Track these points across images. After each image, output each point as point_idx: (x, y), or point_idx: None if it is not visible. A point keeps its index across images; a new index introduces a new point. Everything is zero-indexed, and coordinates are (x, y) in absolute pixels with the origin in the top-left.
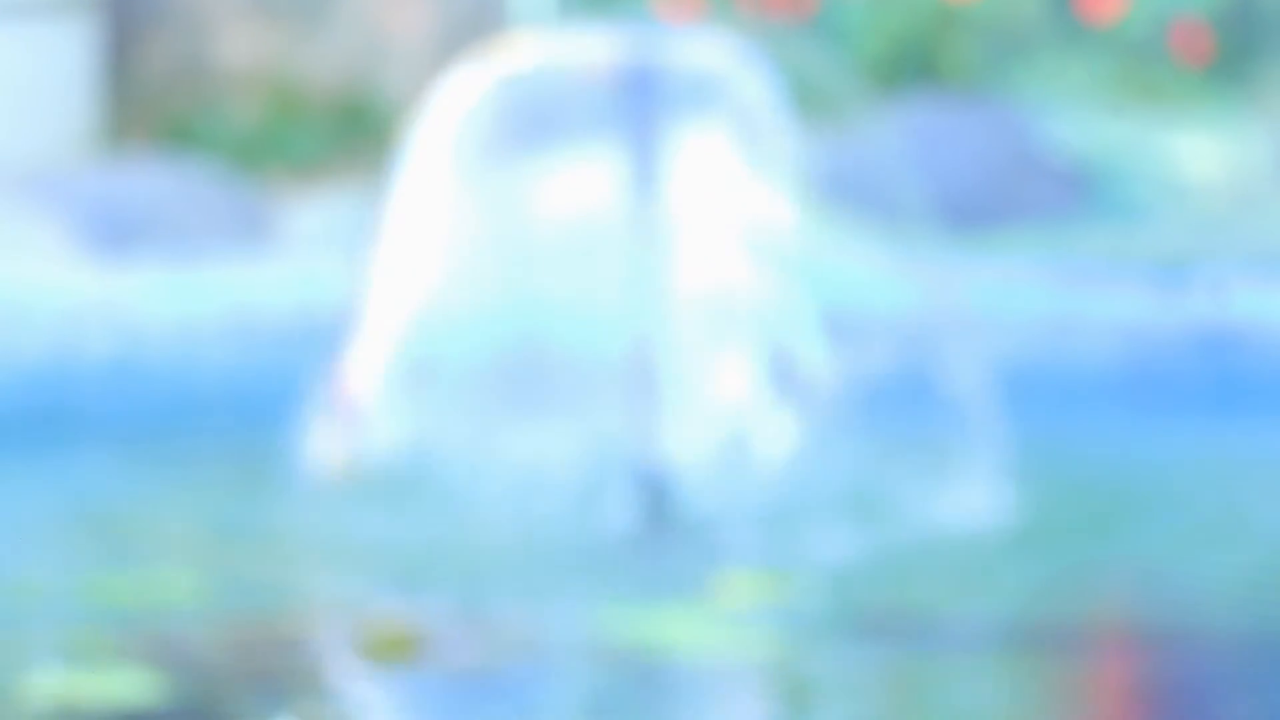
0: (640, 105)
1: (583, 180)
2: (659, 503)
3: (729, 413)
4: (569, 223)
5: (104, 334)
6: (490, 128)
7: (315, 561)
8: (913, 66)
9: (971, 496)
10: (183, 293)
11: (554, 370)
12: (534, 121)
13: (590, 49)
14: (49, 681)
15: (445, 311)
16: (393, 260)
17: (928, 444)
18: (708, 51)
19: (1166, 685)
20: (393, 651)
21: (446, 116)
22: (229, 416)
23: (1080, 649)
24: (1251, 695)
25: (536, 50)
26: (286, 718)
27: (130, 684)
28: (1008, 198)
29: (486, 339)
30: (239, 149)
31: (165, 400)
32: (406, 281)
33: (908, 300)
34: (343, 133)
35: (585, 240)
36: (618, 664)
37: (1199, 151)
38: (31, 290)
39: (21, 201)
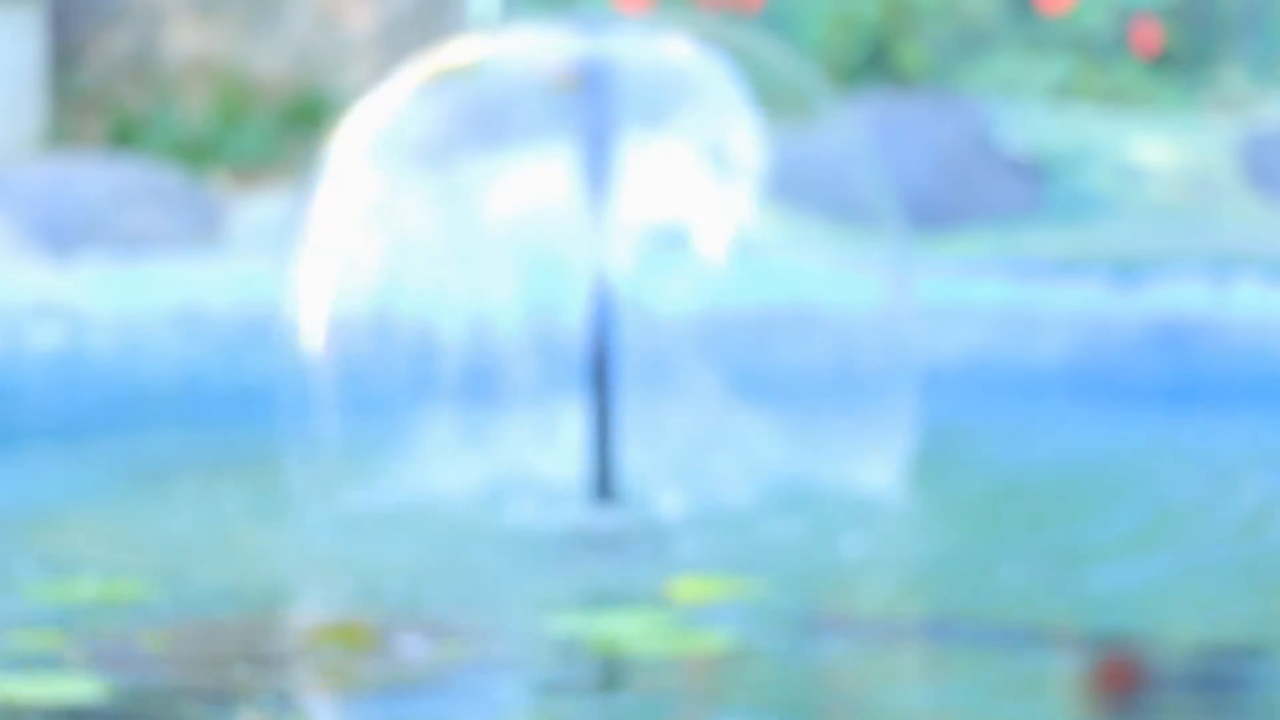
0: (594, 101)
1: (534, 177)
2: (606, 483)
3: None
4: (520, 220)
5: (50, 330)
6: (438, 124)
7: (265, 561)
8: (867, 61)
9: (875, 482)
10: (129, 289)
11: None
12: (485, 117)
13: (543, 44)
14: None
15: (392, 305)
16: (323, 257)
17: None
18: (663, 46)
19: (1117, 681)
20: (345, 653)
21: (384, 112)
22: (175, 413)
23: (1037, 644)
24: (1211, 693)
25: (489, 46)
26: None
27: (73, 689)
28: (964, 193)
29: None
30: (187, 146)
31: (111, 396)
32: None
33: (865, 295)
34: (291, 130)
35: (536, 238)
36: (572, 665)
37: (1155, 147)
38: None
39: None
